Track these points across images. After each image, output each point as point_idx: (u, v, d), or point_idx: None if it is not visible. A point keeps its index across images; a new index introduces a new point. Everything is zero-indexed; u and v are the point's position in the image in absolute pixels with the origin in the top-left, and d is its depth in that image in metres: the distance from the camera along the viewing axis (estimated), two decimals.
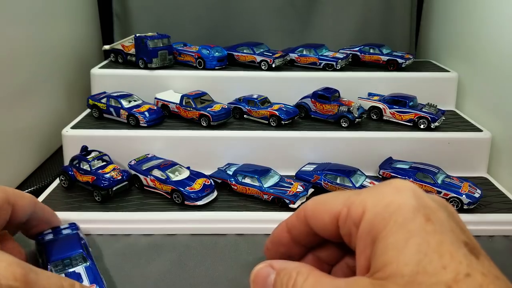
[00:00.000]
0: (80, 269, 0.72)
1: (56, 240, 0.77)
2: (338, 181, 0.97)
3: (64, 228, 0.81)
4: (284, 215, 0.89)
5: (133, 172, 1.00)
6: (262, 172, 0.98)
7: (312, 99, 1.18)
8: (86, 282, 0.70)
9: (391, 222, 0.30)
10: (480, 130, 1.13)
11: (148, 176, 0.97)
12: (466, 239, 0.29)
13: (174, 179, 0.95)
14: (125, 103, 1.14)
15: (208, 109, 1.12)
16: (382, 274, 0.28)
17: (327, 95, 1.16)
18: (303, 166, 1.05)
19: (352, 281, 0.30)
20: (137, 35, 1.30)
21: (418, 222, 0.29)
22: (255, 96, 1.18)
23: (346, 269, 0.40)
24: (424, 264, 0.27)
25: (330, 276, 0.33)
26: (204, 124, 1.12)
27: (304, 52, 1.34)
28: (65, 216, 0.86)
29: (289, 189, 0.94)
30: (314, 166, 1.04)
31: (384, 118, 1.18)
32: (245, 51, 1.34)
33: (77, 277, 0.71)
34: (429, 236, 0.28)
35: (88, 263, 0.74)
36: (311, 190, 0.96)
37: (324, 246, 0.41)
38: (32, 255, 0.80)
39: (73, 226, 0.82)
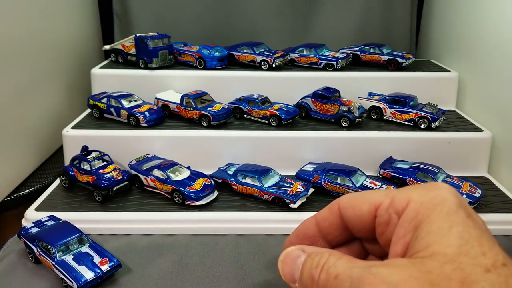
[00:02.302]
0: (86, 248, 0.76)
1: (50, 228, 0.80)
2: (338, 181, 0.97)
3: (47, 220, 0.84)
4: (284, 215, 0.90)
5: (133, 172, 1.00)
6: (263, 172, 0.98)
7: (313, 99, 1.18)
8: (97, 258, 0.73)
9: (436, 211, 0.32)
10: (481, 130, 1.13)
11: (149, 176, 0.97)
12: (497, 242, 0.32)
13: (174, 179, 0.95)
14: (125, 103, 1.14)
15: (209, 109, 1.12)
16: (423, 253, 0.30)
17: (328, 95, 1.16)
18: (304, 166, 1.05)
19: (389, 260, 0.32)
20: (138, 35, 1.30)
21: (460, 215, 0.32)
22: (255, 96, 1.18)
23: None
24: (466, 249, 0.30)
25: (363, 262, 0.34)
26: (205, 124, 1.12)
27: (305, 52, 1.34)
28: (65, 216, 0.87)
29: (290, 189, 0.94)
30: (315, 166, 1.04)
31: (385, 118, 1.18)
32: (245, 51, 1.34)
33: (86, 255, 0.74)
34: (470, 228, 0.31)
35: (90, 242, 0.77)
36: (311, 190, 0.96)
37: (346, 245, 0.42)
38: (22, 251, 0.82)
39: (53, 217, 0.85)
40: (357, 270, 0.31)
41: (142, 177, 0.99)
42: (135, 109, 1.12)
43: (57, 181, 1.04)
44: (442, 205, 0.33)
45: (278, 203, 0.94)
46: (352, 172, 0.98)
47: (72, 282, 0.69)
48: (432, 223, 0.32)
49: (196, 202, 0.92)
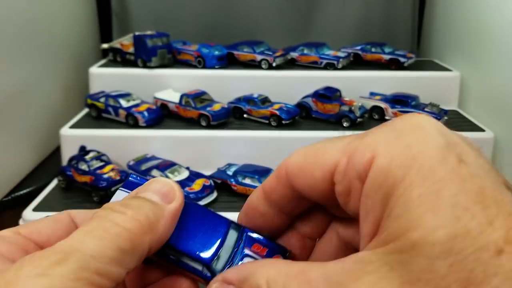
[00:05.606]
0: None
1: None
2: None
3: None
4: None
5: (132, 172, 0.99)
6: (263, 172, 0.97)
7: (313, 99, 1.16)
8: None
9: (414, 169, 0.21)
10: (483, 130, 1.12)
11: (147, 176, 0.96)
12: (503, 179, 0.22)
13: (173, 180, 0.94)
14: (123, 103, 1.13)
15: (208, 108, 1.11)
16: (401, 244, 0.19)
17: (329, 94, 1.15)
18: None
19: (353, 265, 0.21)
20: (136, 33, 1.29)
21: (450, 165, 0.21)
22: (255, 96, 1.17)
23: (336, 240, 0.29)
24: (464, 222, 0.19)
25: (311, 264, 0.23)
26: (204, 124, 1.11)
27: (305, 51, 1.33)
28: None
29: None
30: None
31: (386, 117, 1.17)
32: (245, 49, 1.32)
33: None
34: (466, 182, 0.20)
35: None
36: None
37: (310, 214, 0.30)
38: None
39: None
40: None
41: None
42: (133, 109, 1.11)
43: (55, 182, 1.03)
44: (421, 156, 0.21)
45: None
46: None
47: None
48: (410, 189, 0.20)
49: None
